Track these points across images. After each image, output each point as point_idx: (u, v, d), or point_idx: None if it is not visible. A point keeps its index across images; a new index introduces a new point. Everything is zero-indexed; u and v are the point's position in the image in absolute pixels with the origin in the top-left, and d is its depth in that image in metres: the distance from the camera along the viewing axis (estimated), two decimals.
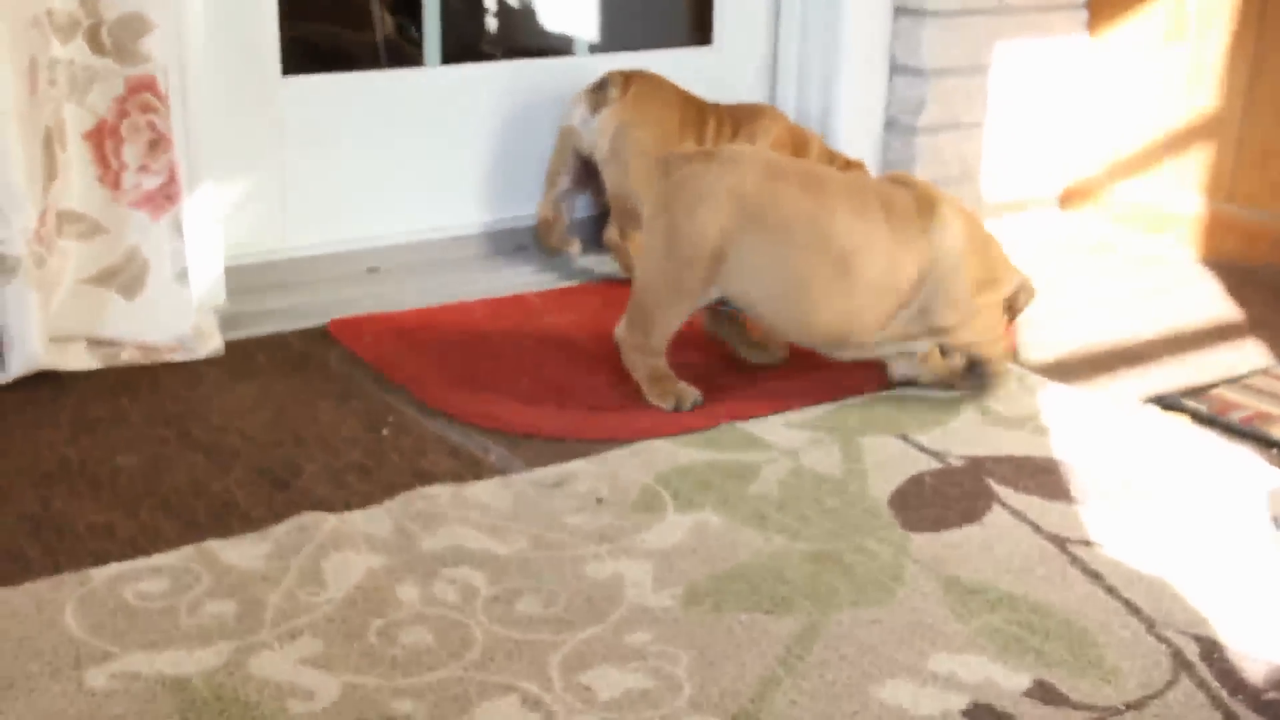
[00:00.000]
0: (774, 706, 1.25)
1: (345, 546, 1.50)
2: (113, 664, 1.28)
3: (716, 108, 2.49)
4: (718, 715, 1.23)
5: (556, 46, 3.13)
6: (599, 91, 2.40)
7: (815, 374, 2.05)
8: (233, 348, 2.13)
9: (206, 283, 2.19)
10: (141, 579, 1.44)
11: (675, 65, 2.64)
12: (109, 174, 2.08)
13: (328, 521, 1.56)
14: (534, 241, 2.60)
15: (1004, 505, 1.66)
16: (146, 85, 2.04)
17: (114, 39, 2.01)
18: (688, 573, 1.48)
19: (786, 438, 1.84)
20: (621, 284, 2.44)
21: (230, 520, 1.59)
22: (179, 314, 2.10)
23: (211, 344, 2.13)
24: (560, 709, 1.23)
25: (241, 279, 2.29)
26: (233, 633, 1.34)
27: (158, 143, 2.07)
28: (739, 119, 2.46)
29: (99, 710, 1.21)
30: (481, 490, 1.65)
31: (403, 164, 2.52)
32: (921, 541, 1.57)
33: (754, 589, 1.45)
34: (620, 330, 1.95)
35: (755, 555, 1.52)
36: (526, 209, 2.63)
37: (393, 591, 1.42)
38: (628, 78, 2.40)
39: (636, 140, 2.36)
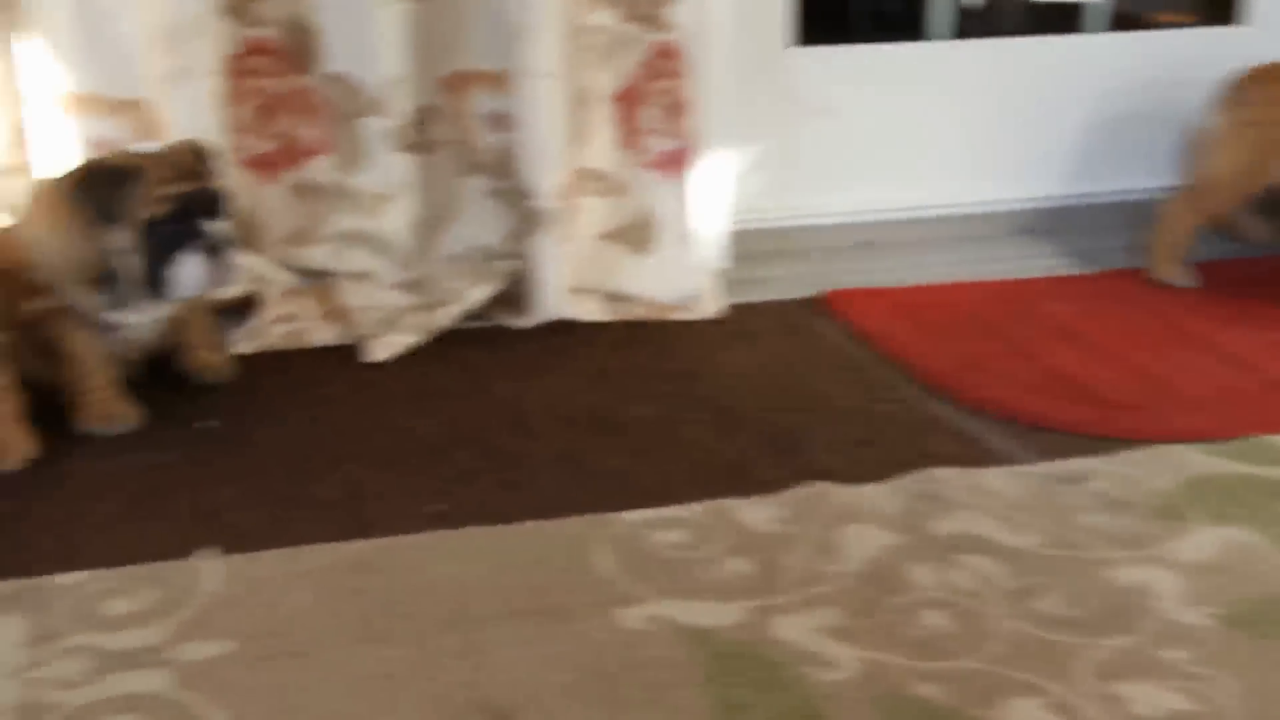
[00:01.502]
0: None
1: (857, 519, 1.51)
2: (643, 607, 1.34)
3: None
4: None
5: (1065, 26, 3.01)
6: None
7: None
8: (733, 313, 2.19)
9: (711, 245, 2.26)
10: (664, 528, 1.50)
11: (1198, 45, 2.49)
12: (629, 136, 2.17)
13: (837, 493, 1.57)
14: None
15: None
16: (670, 52, 2.12)
17: (643, 7, 2.10)
18: (1224, 591, 1.38)
19: None
20: (1132, 274, 2.32)
21: (741, 480, 1.62)
22: (686, 274, 2.18)
23: (714, 305, 2.19)
24: (1092, 719, 1.19)
25: (742, 244, 2.34)
26: (753, 592, 1.37)
27: (676, 108, 2.14)
28: None
29: (633, 650, 1.27)
30: (992, 478, 1.61)
31: (903, 138, 2.51)
32: None
33: None
34: None
35: None
36: (1028, 190, 2.56)
37: (907, 571, 1.41)
38: (1260, 71, 2.28)
39: (1238, 129, 2.26)
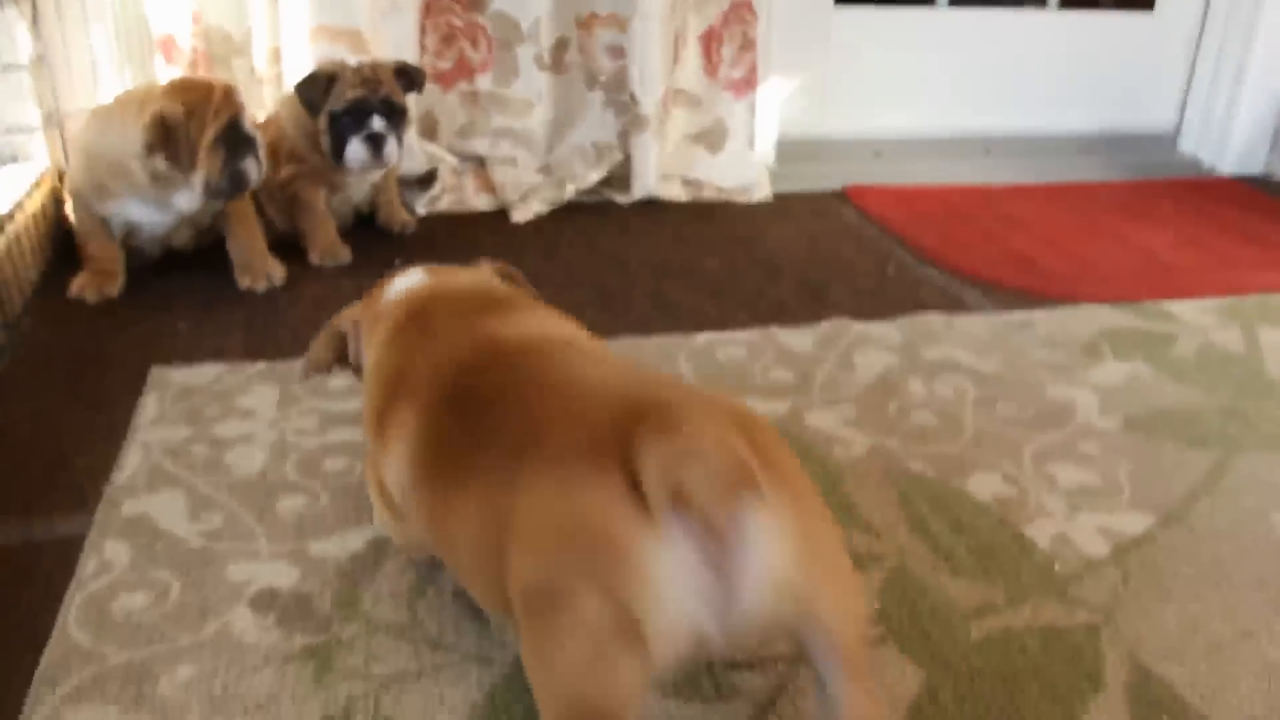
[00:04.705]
0: (1196, 514, 1.21)
1: (869, 346, 1.56)
2: None
3: None
4: (1151, 513, 1.21)
5: None
6: None
7: (1218, 273, 1.89)
8: (777, 198, 2.20)
9: (764, 148, 2.27)
10: (728, 346, 1.55)
11: (1118, 28, 2.42)
12: (710, 65, 2.17)
13: (854, 327, 1.61)
14: None
15: None
16: (745, 5, 2.10)
17: None
18: (1125, 405, 1.43)
19: (1197, 319, 1.71)
20: (1072, 187, 2.31)
21: (784, 315, 1.67)
22: (745, 168, 2.19)
23: (764, 192, 2.21)
24: (1031, 488, 1.24)
25: (787, 149, 2.35)
26: (792, 393, 1.42)
27: (746, 46, 2.13)
28: None
29: None
30: (966, 322, 1.65)
31: (911, 77, 2.48)
32: None
33: (1178, 426, 1.39)
34: None
35: (1178, 402, 1.45)
36: (998, 121, 2.52)
37: (904, 383, 1.46)
38: None
39: None
